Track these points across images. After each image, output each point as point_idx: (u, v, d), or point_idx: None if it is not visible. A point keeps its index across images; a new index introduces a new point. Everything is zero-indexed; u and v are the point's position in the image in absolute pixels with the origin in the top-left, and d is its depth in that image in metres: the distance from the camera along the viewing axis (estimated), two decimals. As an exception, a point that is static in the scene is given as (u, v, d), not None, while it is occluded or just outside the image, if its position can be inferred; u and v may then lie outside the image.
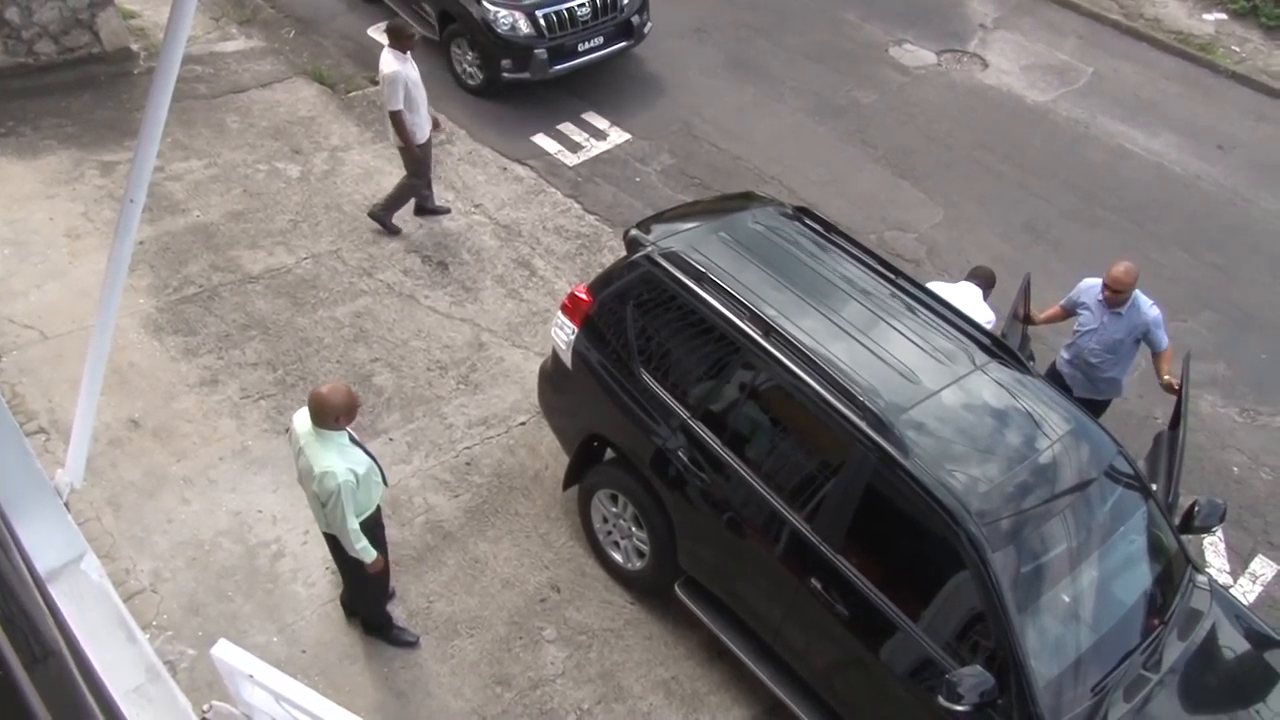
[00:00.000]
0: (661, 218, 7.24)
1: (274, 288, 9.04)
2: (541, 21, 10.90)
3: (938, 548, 5.31)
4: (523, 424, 8.07)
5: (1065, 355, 7.70)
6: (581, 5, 11.06)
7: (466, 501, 7.49)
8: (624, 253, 6.92)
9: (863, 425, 5.49)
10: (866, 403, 5.51)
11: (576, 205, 10.24)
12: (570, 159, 10.87)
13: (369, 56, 12.07)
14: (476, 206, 10.13)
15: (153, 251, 9.02)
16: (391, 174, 10.34)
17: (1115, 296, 7.20)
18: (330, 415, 5.44)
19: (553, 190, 10.40)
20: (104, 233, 9.23)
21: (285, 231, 9.63)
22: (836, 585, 5.64)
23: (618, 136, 10.98)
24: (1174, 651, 5.65)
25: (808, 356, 5.72)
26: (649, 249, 6.52)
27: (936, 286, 7.10)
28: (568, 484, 7.23)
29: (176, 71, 2.95)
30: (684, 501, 6.34)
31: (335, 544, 5.94)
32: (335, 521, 5.64)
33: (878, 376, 5.71)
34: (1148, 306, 7.29)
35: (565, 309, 6.96)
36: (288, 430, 6.42)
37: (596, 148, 10.99)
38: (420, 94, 8.93)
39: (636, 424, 6.51)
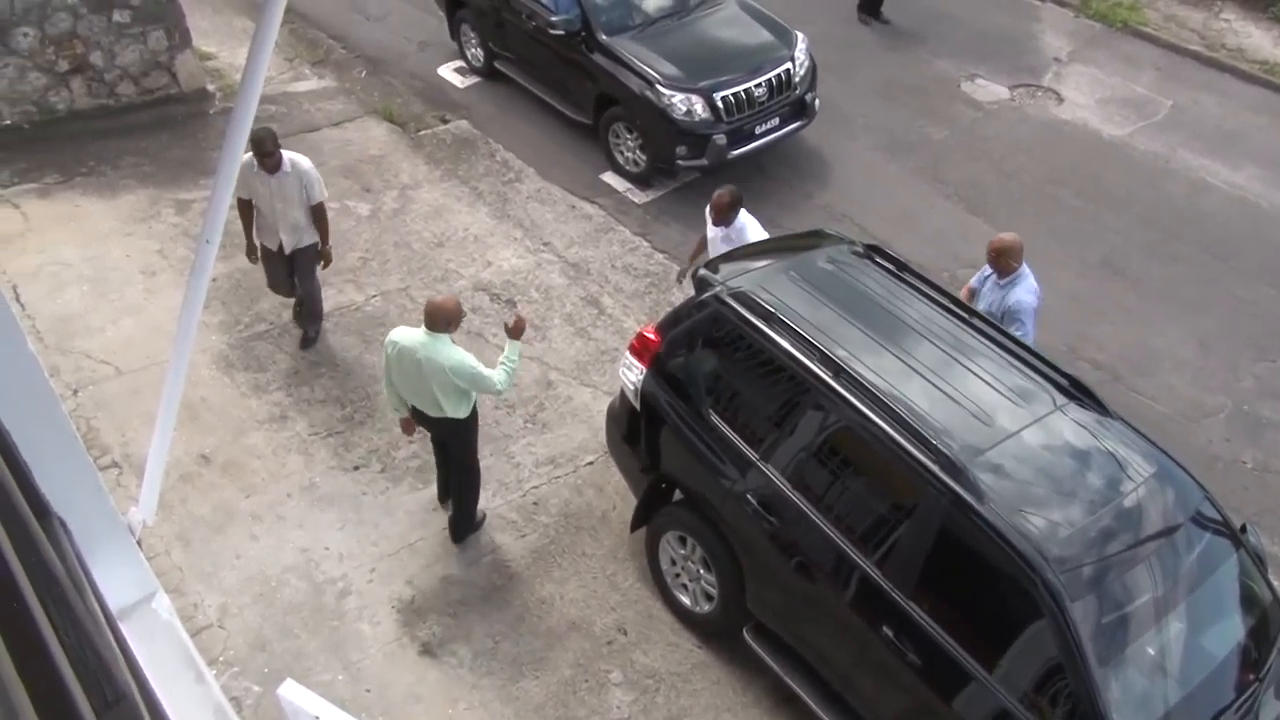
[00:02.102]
0: (731, 257, 7.24)
1: (343, 325, 9.14)
2: (720, 105, 10.49)
3: (1014, 595, 5.19)
4: (590, 464, 8.06)
5: None
6: (758, 85, 10.65)
7: (533, 542, 7.50)
8: (692, 292, 6.94)
9: (935, 468, 5.42)
10: (939, 445, 5.44)
11: (645, 243, 10.26)
12: (639, 197, 10.90)
13: (439, 96, 12.27)
14: (545, 245, 10.18)
15: (225, 289, 9.18)
16: (461, 213, 10.45)
17: (994, 262, 7.31)
18: (443, 319, 6.41)
19: (621, 228, 10.43)
20: (178, 269, 9.42)
21: (355, 269, 9.74)
22: (908, 632, 5.54)
23: (687, 175, 11.00)
24: (1271, 711, 5.46)
25: (879, 398, 5.67)
26: (717, 288, 6.53)
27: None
28: (635, 525, 7.21)
29: (254, 112, 2.98)
30: (753, 544, 6.29)
31: (443, 456, 7.33)
32: (482, 387, 6.54)
33: (951, 418, 5.64)
34: (1027, 291, 7.20)
35: (633, 349, 6.99)
36: (390, 349, 6.69)
37: (666, 186, 11.03)
38: (281, 206, 8.18)
39: (705, 466, 6.49)
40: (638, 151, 10.93)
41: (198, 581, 7.09)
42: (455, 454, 7.23)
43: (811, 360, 5.94)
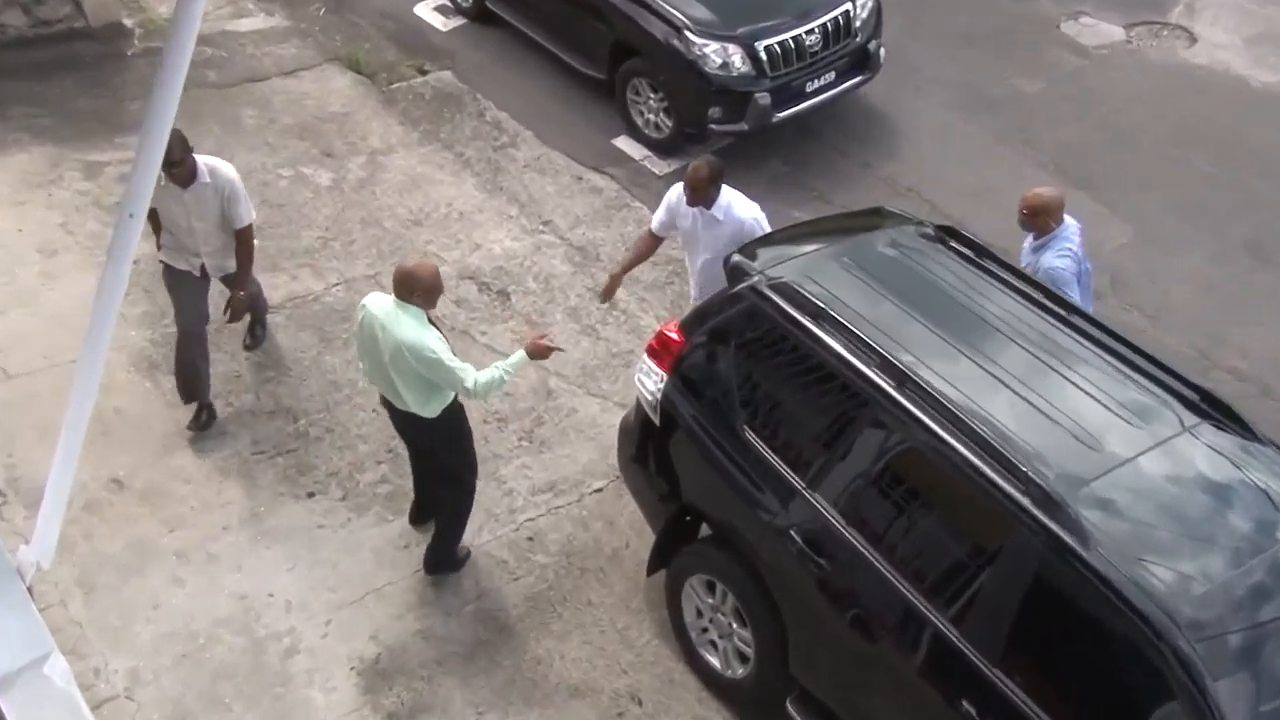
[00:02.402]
0: (771, 240, 7.24)
1: (297, 319, 9.13)
2: (763, 56, 10.43)
3: (1135, 668, 5.09)
4: (598, 491, 8.05)
5: None
6: (810, 32, 10.56)
7: (528, 586, 7.48)
8: (724, 282, 6.94)
9: (1026, 503, 5.36)
10: (1031, 473, 5.38)
11: (666, 222, 10.22)
12: (660, 167, 10.89)
13: (416, 40, 12.28)
14: (545, 224, 10.18)
15: (148, 273, 9.11)
16: (443, 184, 10.44)
17: (1028, 221, 7.55)
18: (413, 287, 6.45)
19: (638, 205, 10.40)
20: (87, 249, 9.42)
21: (312, 251, 9.74)
22: (995, 709, 5.46)
23: (720, 141, 10.96)
24: None
25: (954, 413, 5.63)
26: (755, 279, 6.54)
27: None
28: (653, 568, 7.20)
29: (190, 55, 2.93)
30: (798, 593, 6.28)
31: (420, 461, 7.40)
32: (445, 380, 6.57)
33: (1047, 440, 5.59)
34: (1059, 254, 7.41)
35: (652, 351, 6.99)
36: (360, 314, 6.82)
37: (693, 153, 10.91)
38: (200, 226, 7.74)
39: (739, 494, 6.50)
40: (661, 114, 10.91)
41: (103, 640, 7.03)
42: (430, 462, 7.32)
43: (870, 366, 5.92)
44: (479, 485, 7.47)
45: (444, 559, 7.44)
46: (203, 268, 7.93)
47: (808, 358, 6.22)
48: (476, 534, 7.69)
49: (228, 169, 7.71)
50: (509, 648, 7.14)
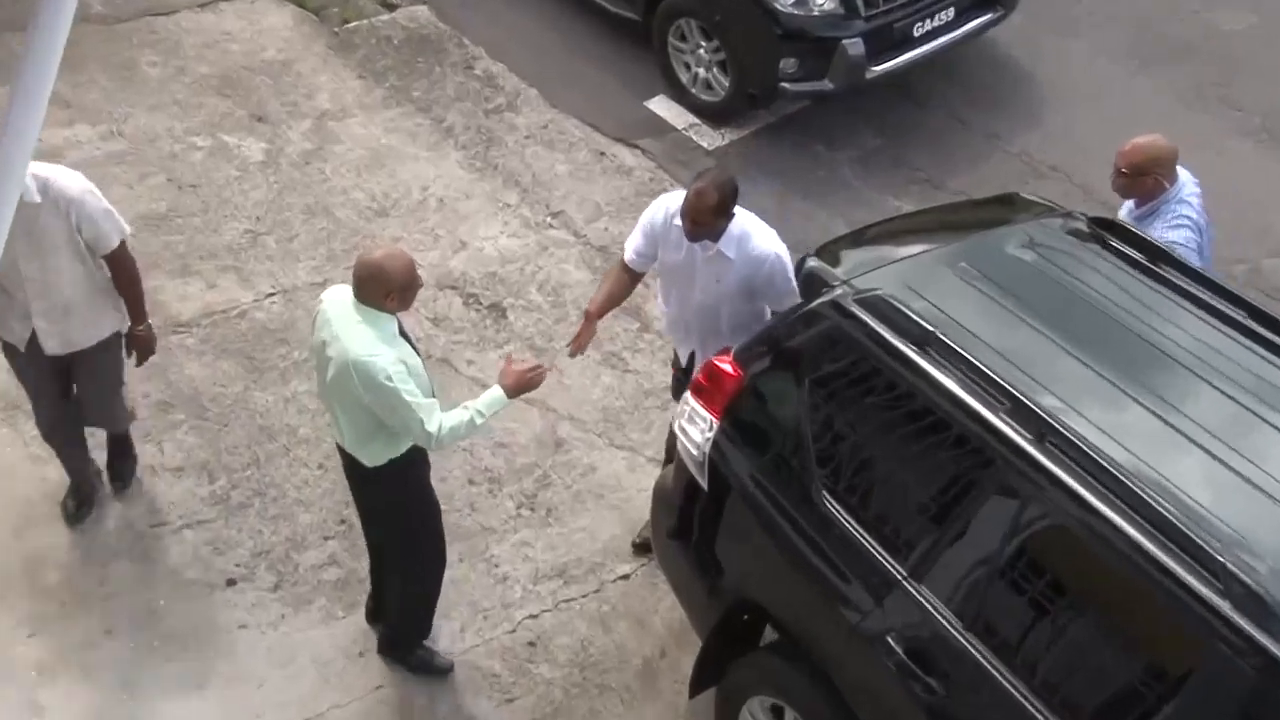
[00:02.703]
0: (861, 239, 7.38)
1: (216, 341, 9.20)
2: None
3: None
4: (624, 579, 8.09)
5: None
6: None
7: (527, 710, 7.47)
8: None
9: (1226, 609, 5.19)
10: (1234, 568, 5.21)
11: (719, 215, 10.24)
12: (709, 137, 11.00)
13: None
14: (554, 216, 10.28)
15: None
16: (417, 160, 10.51)
17: (1127, 184, 7.66)
18: (380, 288, 6.35)
19: (680, 190, 10.31)
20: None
21: (238, 249, 9.85)
22: None
23: (790, 104, 10.99)
24: None
25: (1118, 478, 5.50)
26: (837, 291, 6.50)
27: None
28: (699, 686, 7.15)
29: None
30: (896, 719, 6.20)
31: (370, 516, 7.24)
32: (399, 422, 6.50)
33: (1255, 520, 5.43)
34: (1178, 224, 7.54)
35: (699, 389, 6.99)
36: (316, 313, 6.74)
37: (753, 121, 11.08)
38: (34, 268, 7.14)
39: (815, 585, 6.46)
40: (714, 69, 11.03)
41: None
42: (375, 529, 7.31)
43: (997, 413, 5.82)
44: (462, 572, 7.49)
45: (402, 636, 7.58)
46: (36, 340, 7.32)
47: (909, 399, 6.13)
48: (457, 638, 7.69)
49: (69, 178, 7.03)
50: None
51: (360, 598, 7.73)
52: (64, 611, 7.63)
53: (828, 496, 6.40)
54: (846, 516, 6.33)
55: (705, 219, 7.12)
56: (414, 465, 6.90)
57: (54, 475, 8.22)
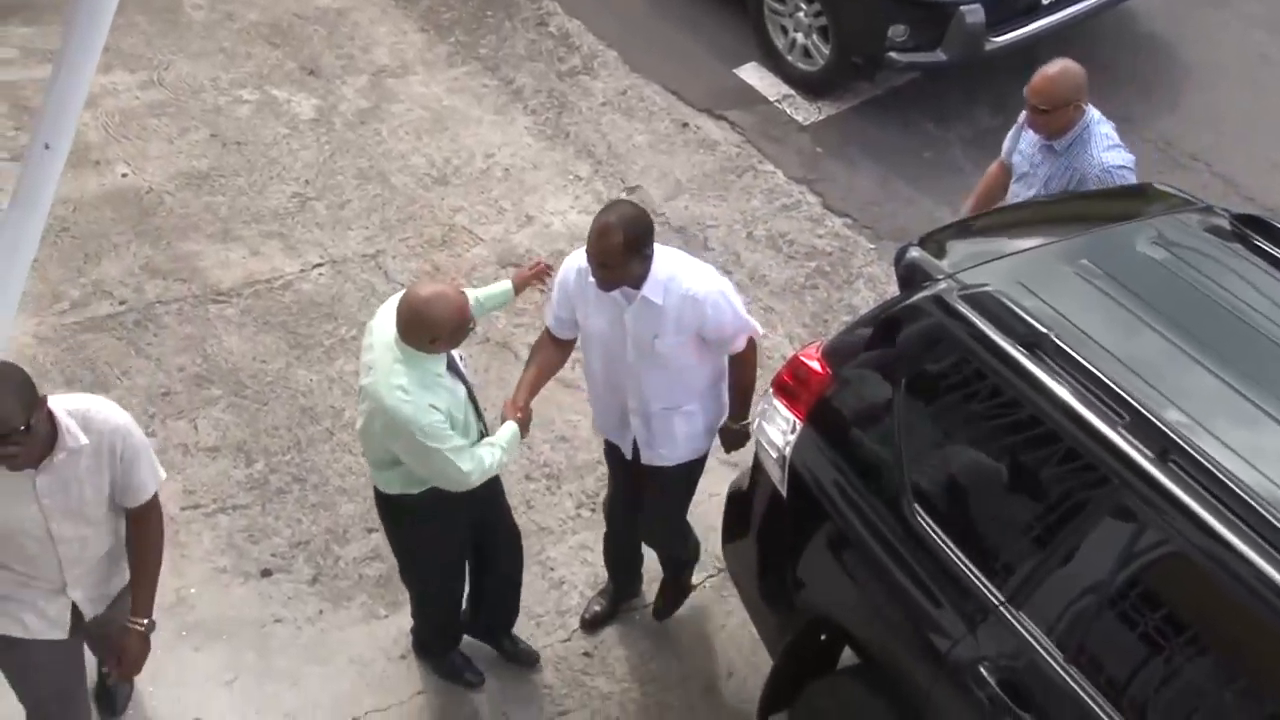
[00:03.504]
0: (969, 229, 7.38)
1: (258, 314, 9.27)
2: None
3: None
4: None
5: None
6: None
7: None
8: (893, 288, 6.95)
9: None
10: None
11: (811, 196, 10.33)
12: (804, 110, 11.00)
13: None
14: (630, 190, 10.28)
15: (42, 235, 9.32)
16: (482, 124, 10.50)
17: (1043, 119, 7.70)
18: (425, 334, 6.24)
19: (769, 167, 10.51)
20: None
21: (284, 214, 9.93)
22: None
23: (897, 77, 10.94)
24: None
25: (1250, 504, 5.41)
26: (940, 285, 6.45)
27: None
28: (768, 709, 7.14)
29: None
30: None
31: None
32: (428, 472, 6.51)
33: None
34: (1105, 147, 7.71)
35: (781, 387, 6.97)
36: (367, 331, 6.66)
37: (854, 95, 11.08)
38: (68, 529, 6.04)
39: (902, 607, 6.40)
40: (815, 35, 10.99)
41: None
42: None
43: (1115, 427, 5.74)
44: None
45: (426, 652, 7.73)
46: (74, 614, 6.29)
47: (1016, 407, 6.03)
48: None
49: (108, 408, 6.02)
50: None
51: (402, 596, 7.68)
52: None
53: (920, 510, 6.32)
54: (940, 533, 6.25)
55: (614, 260, 6.49)
56: (432, 503, 6.71)
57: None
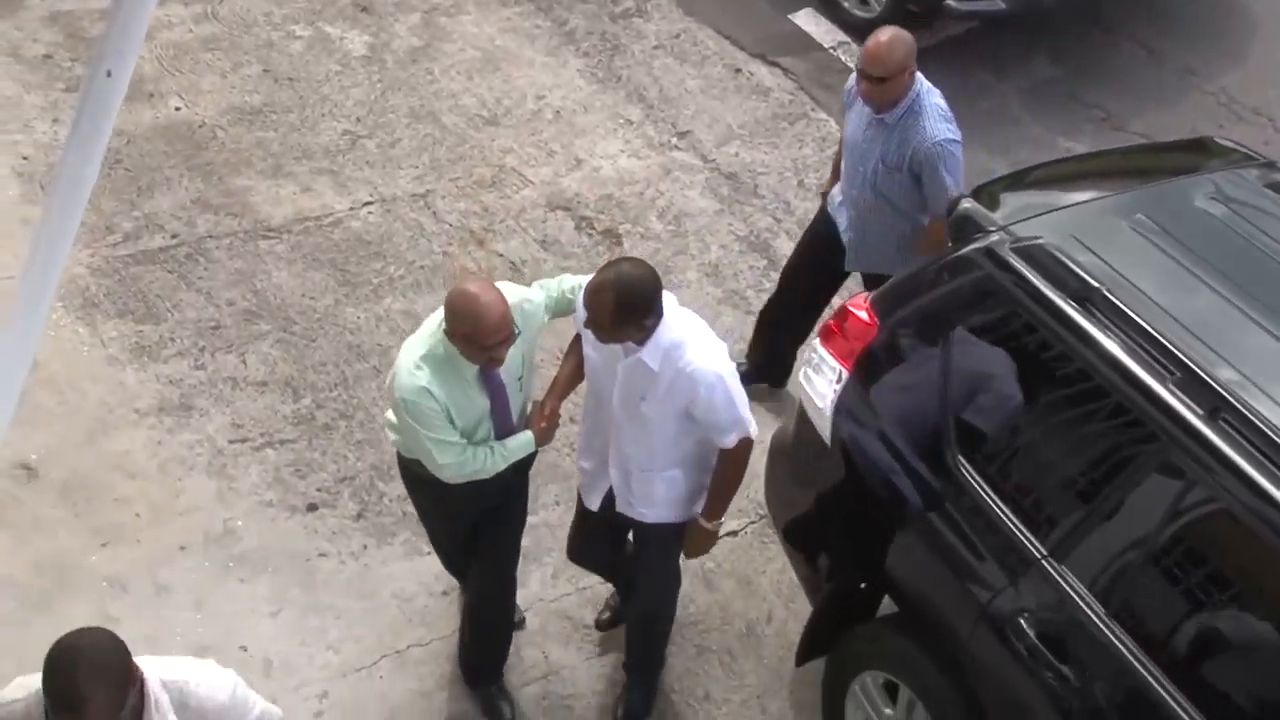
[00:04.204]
0: (1023, 180, 7.18)
1: (308, 250, 9.29)
2: None
3: None
4: (732, 535, 8.04)
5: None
6: None
7: (618, 664, 7.48)
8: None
9: None
10: None
11: (864, 145, 10.18)
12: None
13: None
14: (680, 136, 10.26)
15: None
16: (533, 65, 10.52)
17: (878, 88, 7.54)
18: (457, 325, 5.98)
19: (822, 115, 10.51)
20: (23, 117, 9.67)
21: (335, 151, 9.92)
22: None
23: (954, 26, 10.90)
24: None
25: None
26: (992, 237, 6.39)
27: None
28: (807, 655, 7.16)
29: None
30: (1025, 715, 6.14)
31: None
32: (411, 443, 6.38)
33: None
34: (936, 119, 7.63)
35: (828, 335, 6.97)
36: None
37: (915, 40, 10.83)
38: None
39: (943, 557, 6.41)
40: None
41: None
42: None
43: (1165, 383, 5.70)
44: (558, 514, 7.61)
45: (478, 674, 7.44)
46: None
47: (1064, 362, 6.02)
48: (549, 583, 7.77)
49: (212, 685, 5.21)
50: None
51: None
52: (138, 524, 7.74)
53: (964, 462, 6.31)
54: (983, 485, 6.23)
55: (603, 319, 6.06)
56: (423, 479, 6.59)
57: (131, 380, 8.35)
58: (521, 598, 7.56)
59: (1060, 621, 5.98)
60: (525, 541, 7.64)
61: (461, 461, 6.25)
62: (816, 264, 8.33)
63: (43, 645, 7.12)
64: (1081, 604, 5.90)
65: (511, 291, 6.26)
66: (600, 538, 7.12)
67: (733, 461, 6.49)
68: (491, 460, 6.33)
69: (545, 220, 9.50)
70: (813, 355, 7.03)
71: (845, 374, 6.79)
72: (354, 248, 9.30)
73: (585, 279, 6.34)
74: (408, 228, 9.44)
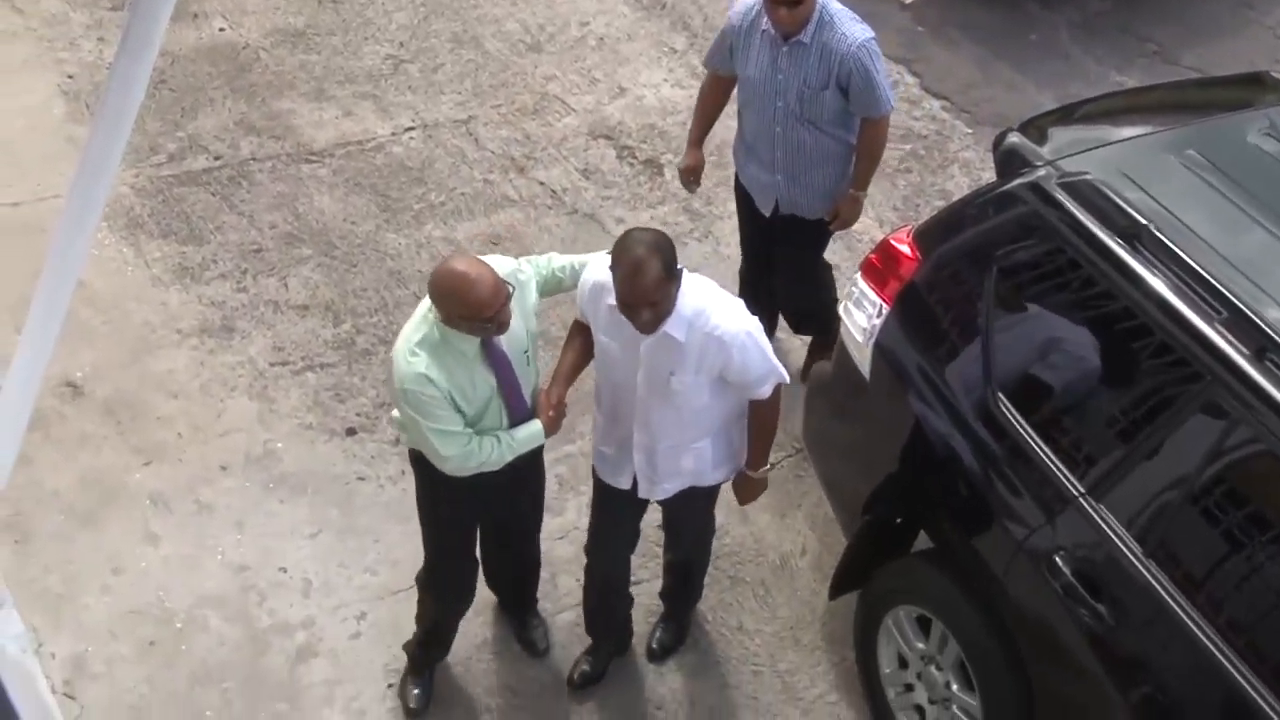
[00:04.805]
0: (1072, 115, 7.10)
1: (350, 174, 9.31)
2: None
3: None
4: (768, 468, 7.89)
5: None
6: None
7: (653, 593, 7.50)
8: (988, 174, 6.84)
9: None
10: None
11: (909, 77, 10.28)
12: None
13: None
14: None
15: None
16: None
17: (790, 12, 7.28)
18: (452, 308, 5.76)
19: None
20: (45, 39, 9.80)
21: (378, 77, 9.93)
22: None
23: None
24: None
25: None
26: (1039, 172, 6.34)
27: None
28: (841, 588, 7.17)
29: None
30: (1057, 650, 6.14)
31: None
32: (420, 437, 6.09)
33: None
34: (848, 21, 7.46)
35: (870, 270, 6.93)
36: None
37: None
38: None
39: (980, 494, 6.41)
40: None
41: (37, 611, 7.14)
42: None
43: (1211, 323, 5.65)
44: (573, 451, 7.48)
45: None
46: None
47: (1109, 300, 5.95)
48: (585, 512, 7.46)
49: None
50: (617, 683, 7.20)
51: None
52: (180, 443, 7.82)
53: (1003, 398, 6.29)
54: (1022, 422, 6.20)
55: (658, 293, 5.79)
56: (430, 470, 6.33)
57: (174, 301, 8.41)
58: (558, 525, 7.65)
59: (1097, 560, 5.96)
60: (562, 469, 7.87)
61: (466, 453, 6.02)
62: (755, 231, 8.25)
63: (86, 561, 7.27)
64: (1119, 543, 5.88)
65: (499, 264, 6.02)
66: (627, 518, 6.88)
67: (770, 407, 6.39)
68: (498, 451, 6.11)
69: (587, 149, 9.49)
70: (853, 289, 6.99)
71: (885, 309, 6.77)
72: (395, 173, 9.31)
73: (576, 259, 6.36)
74: (449, 154, 9.45)
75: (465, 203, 9.20)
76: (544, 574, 7.32)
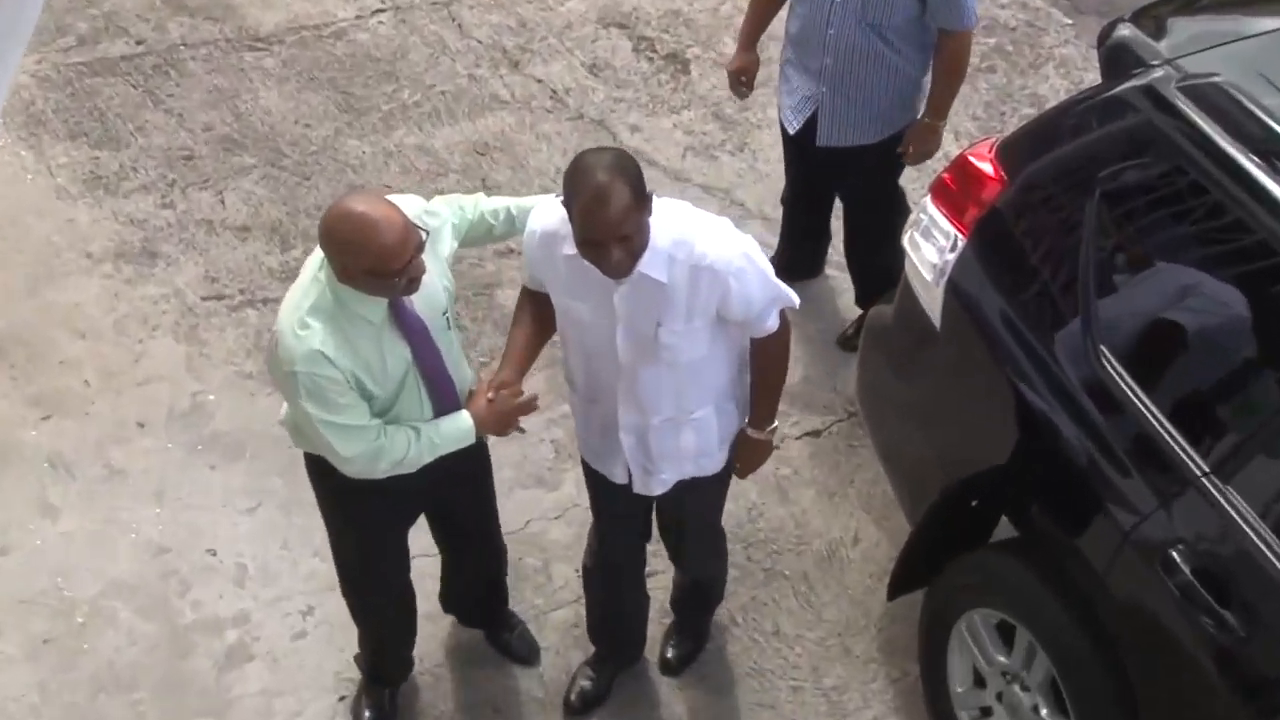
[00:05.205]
0: (1197, 1, 7.09)
1: (303, 67, 9.37)
2: None
3: None
4: (812, 435, 8.19)
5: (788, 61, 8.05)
6: None
7: (665, 583, 7.53)
8: (1092, 75, 6.94)
9: None
10: None
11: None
12: None
13: None
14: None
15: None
16: None
17: None
18: (353, 259, 5.42)
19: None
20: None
21: None
22: None
23: None
24: None
25: None
26: (1155, 73, 6.23)
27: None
28: (902, 586, 7.15)
29: None
30: (1174, 663, 6.09)
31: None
32: (307, 427, 5.80)
33: None
34: None
35: (942, 191, 6.90)
36: None
37: None
38: None
39: (1079, 472, 6.30)
40: None
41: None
42: None
43: None
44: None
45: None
46: None
47: (1242, 233, 5.81)
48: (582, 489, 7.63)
49: None
50: (621, 699, 7.23)
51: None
52: (87, 393, 7.80)
53: (1108, 354, 6.19)
54: (1132, 384, 6.10)
55: (631, 224, 5.50)
56: (338, 476, 6.06)
57: (84, 218, 8.39)
58: (553, 502, 7.74)
59: (1223, 555, 5.86)
60: (559, 433, 7.93)
61: (375, 449, 5.75)
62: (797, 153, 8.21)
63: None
64: (1251, 534, 5.75)
65: (407, 204, 5.72)
66: (635, 501, 6.60)
67: (778, 343, 6.12)
68: (415, 448, 5.84)
69: (596, 39, 9.59)
70: (921, 216, 6.94)
71: (961, 240, 6.70)
72: (360, 65, 9.39)
73: (514, 202, 6.18)
74: (426, 43, 9.55)
75: (445, 103, 9.25)
76: (537, 561, 7.40)
